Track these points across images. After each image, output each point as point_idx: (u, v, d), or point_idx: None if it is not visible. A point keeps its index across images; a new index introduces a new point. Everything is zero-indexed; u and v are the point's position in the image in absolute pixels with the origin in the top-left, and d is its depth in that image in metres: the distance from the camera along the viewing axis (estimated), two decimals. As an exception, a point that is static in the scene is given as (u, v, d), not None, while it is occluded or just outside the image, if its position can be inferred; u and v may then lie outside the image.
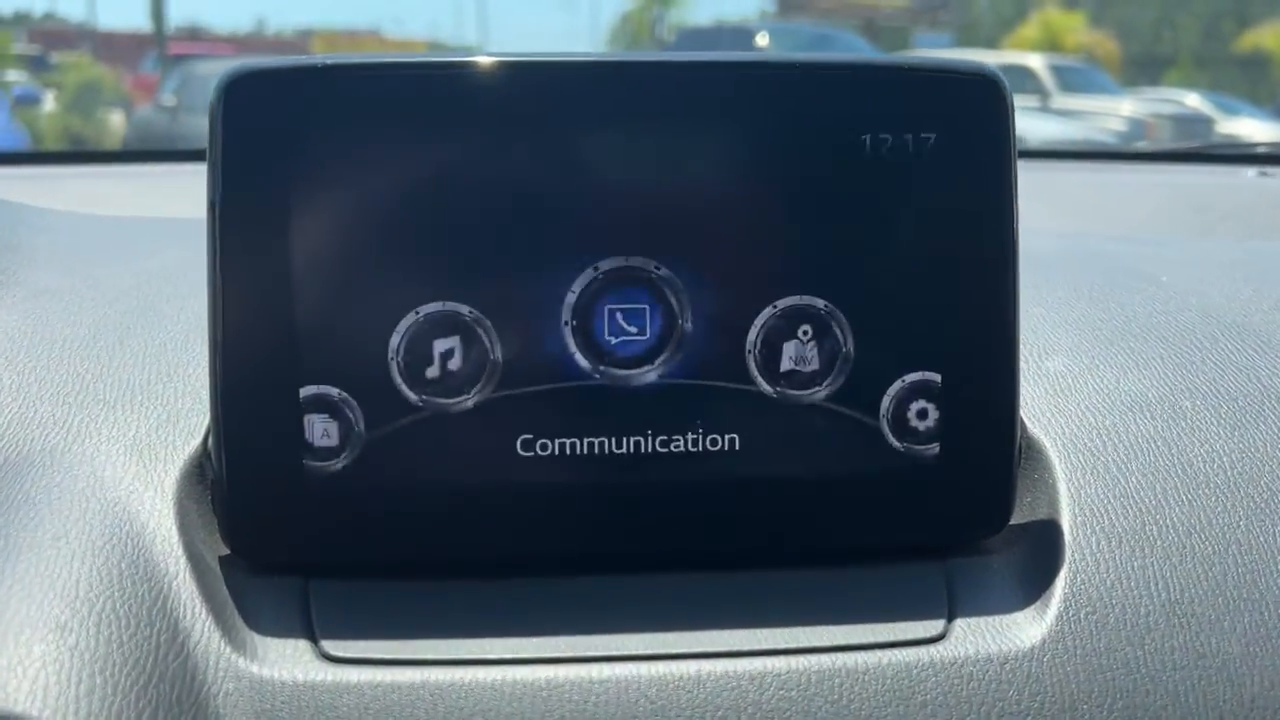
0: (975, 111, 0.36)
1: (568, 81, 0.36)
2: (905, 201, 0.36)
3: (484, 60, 0.35)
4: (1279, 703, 0.33)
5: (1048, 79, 7.25)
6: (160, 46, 10.86)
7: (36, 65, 12.05)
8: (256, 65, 0.34)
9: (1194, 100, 7.60)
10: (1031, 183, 0.70)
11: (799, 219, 0.36)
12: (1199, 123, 6.74)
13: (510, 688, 0.32)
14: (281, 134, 0.34)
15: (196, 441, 0.37)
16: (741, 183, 0.36)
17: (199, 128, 0.34)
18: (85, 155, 1.05)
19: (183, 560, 0.34)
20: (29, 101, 8.50)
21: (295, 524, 0.35)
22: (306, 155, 0.34)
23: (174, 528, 0.35)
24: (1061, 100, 6.83)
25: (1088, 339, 0.46)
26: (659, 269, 0.36)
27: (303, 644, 0.33)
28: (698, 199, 0.36)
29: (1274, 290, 0.50)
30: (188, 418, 0.38)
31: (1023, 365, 0.40)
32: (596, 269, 0.36)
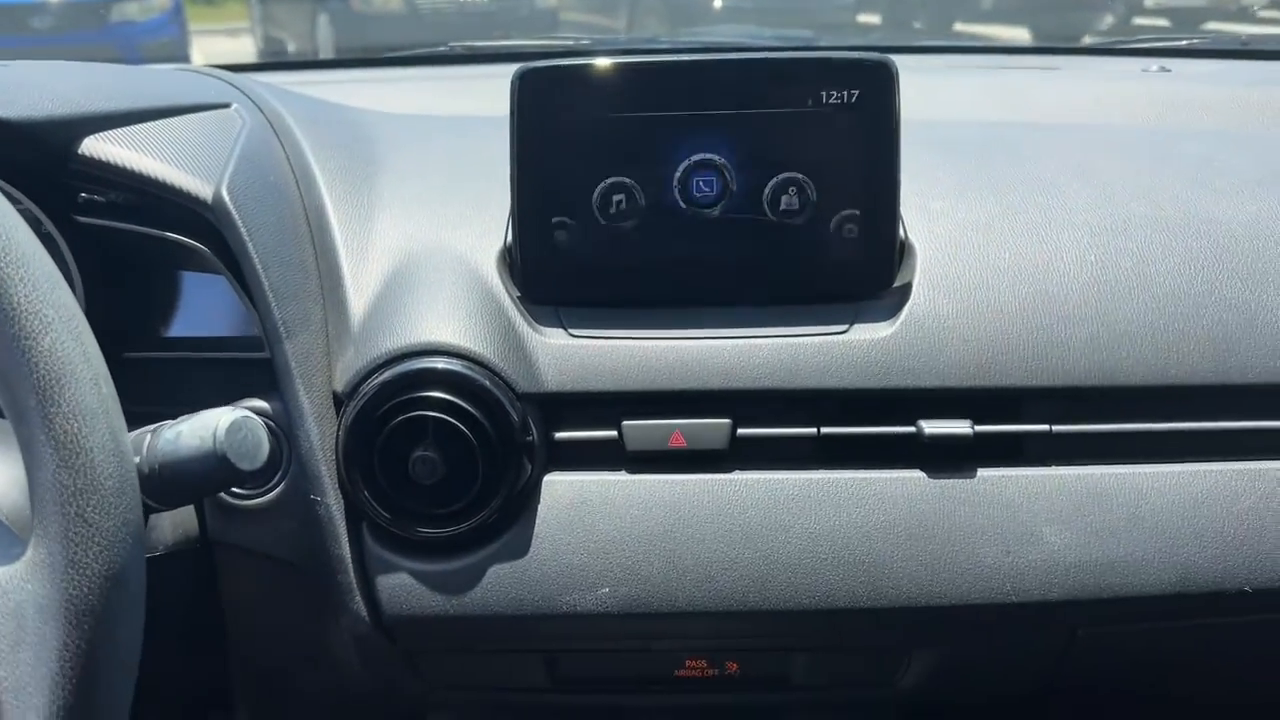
0: (880, 80, 0.73)
1: (697, 75, 0.73)
2: (840, 126, 0.74)
3: (655, 61, 0.73)
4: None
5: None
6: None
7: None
8: (539, 65, 0.73)
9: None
10: (995, 86, 1.08)
11: (790, 137, 0.74)
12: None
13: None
14: (550, 104, 0.73)
15: (500, 244, 0.78)
16: (760, 123, 0.74)
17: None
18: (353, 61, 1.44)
19: (506, 298, 0.75)
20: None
21: (550, 282, 0.76)
22: (562, 114, 0.73)
23: (499, 282, 0.76)
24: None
25: (968, 190, 0.82)
26: (721, 159, 0.74)
27: (559, 330, 0.74)
28: (741, 130, 0.74)
29: (1074, 156, 0.85)
30: (499, 229, 0.79)
31: (915, 205, 0.79)
32: (690, 159, 0.75)
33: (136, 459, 0.57)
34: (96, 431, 0.46)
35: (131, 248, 0.78)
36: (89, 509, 0.45)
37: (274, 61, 1.41)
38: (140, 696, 0.67)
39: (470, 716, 0.87)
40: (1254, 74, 1.18)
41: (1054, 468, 0.73)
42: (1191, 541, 0.72)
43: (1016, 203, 0.81)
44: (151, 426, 0.59)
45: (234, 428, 0.57)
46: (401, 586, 0.72)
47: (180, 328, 0.82)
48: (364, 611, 0.73)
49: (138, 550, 0.48)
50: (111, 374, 0.52)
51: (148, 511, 0.58)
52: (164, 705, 0.84)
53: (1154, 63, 1.16)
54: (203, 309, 0.82)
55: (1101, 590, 0.72)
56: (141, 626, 0.50)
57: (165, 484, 0.57)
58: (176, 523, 0.75)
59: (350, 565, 0.73)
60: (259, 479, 0.74)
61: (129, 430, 0.58)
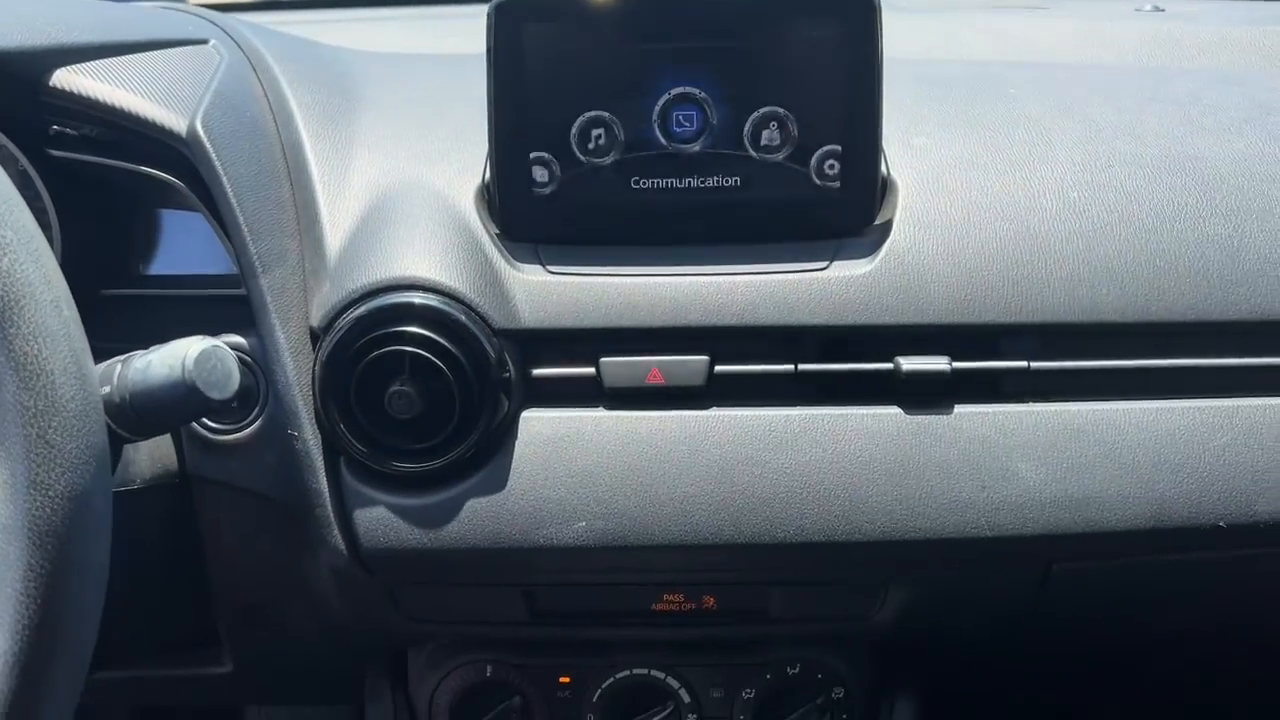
0: (862, 12, 0.72)
1: (678, 6, 0.71)
2: (822, 60, 0.73)
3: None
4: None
5: None
6: None
7: None
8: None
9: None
10: (983, 25, 1.06)
11: (771, 71, 0.73)
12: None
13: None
14: (527, 36, 0.72)
15: (478, 180, 0.78)
16: (741, 56, 0.73)
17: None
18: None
19: (484, 234, 0.74)
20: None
21: (528, 219, 0.76)
22: (539, 46, 0.72)
23: (477, 218, 0.75)
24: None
25: (952, 126, 0.81)
26: (702, 93, 0.74)
27: (537, 266, 0.74)
28: (722, 64, 0.73)
29: (1064, 96, 0.85)
30: (477, 166, 0.78)
31: (898, 141, 0.78)
32: (670, 93, 0.74)
33: (107, 389, 0.57)
34: (57, 353, 0.46)
35: (108, 185, 0.78)
36: (50, 430, 0.45)
37: (258, 1, 1.39)
38: (125, 632, 0.68)
39: (451, 650, 0.87)
40: (1248, 13, 1.16)
41: (1031, 404, 0.73)
42: (1167, 477, 0.72)
43: (1000, 140, 0.80)
44: (122, 357, 0.59)
45: (203, 357, 0.57)
46: (378, 520, 0.72)
47: (157, 265, 0.82)
48: (341, 545, 0.73)
49: (102, 474, 0.48)
50: (88, 311, 0.52)
51: (121, 442, 0.58)
52: (149, 640, 0.84)
53: (1147, 1, 1.15)
54: (180, 246, 0.82)
55: (1076, 525, 0.72)
56: (108, 550, 0.50)
57: (136, 414, 0.57)
58: (155, 457, 0.75)
59: (328, 499, 0.73)
60: (232, 411, 0.74)
61: (101, 362, 0.58)
